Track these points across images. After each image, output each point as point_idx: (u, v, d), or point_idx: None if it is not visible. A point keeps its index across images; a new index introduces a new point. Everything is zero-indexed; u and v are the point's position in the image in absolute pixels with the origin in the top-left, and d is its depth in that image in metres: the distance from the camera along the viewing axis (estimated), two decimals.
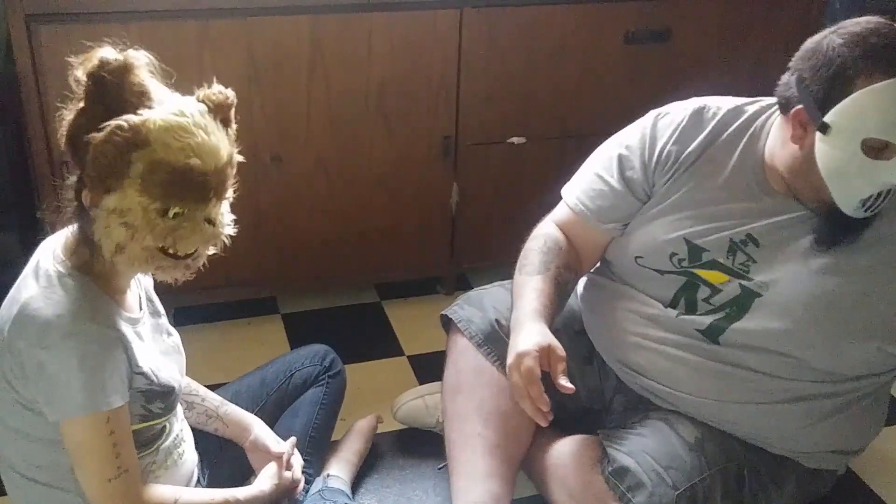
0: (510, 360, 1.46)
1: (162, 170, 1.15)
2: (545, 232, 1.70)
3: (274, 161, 2.18)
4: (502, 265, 2.50)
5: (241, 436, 1.62)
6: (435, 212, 2.41)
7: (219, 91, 1.26)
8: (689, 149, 1.58)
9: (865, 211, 1.43)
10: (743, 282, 1.53)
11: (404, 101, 2.22)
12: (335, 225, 2.32)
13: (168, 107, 1.19)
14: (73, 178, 1.23)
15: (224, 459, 1.64)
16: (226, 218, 1.28)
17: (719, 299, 1.55)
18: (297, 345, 1.90)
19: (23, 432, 1.27)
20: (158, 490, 1.34)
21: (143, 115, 1.15)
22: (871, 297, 1.48)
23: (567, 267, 1.65)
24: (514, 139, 2.36)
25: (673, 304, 1.59)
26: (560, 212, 1.72)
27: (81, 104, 1.18)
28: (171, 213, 1.19)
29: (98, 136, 1.12)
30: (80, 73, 1.17)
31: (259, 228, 2.26)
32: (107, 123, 1.13)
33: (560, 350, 1.46)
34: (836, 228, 1.48)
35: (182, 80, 2.10)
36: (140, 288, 1.39)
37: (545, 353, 1.44)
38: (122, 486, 1.25)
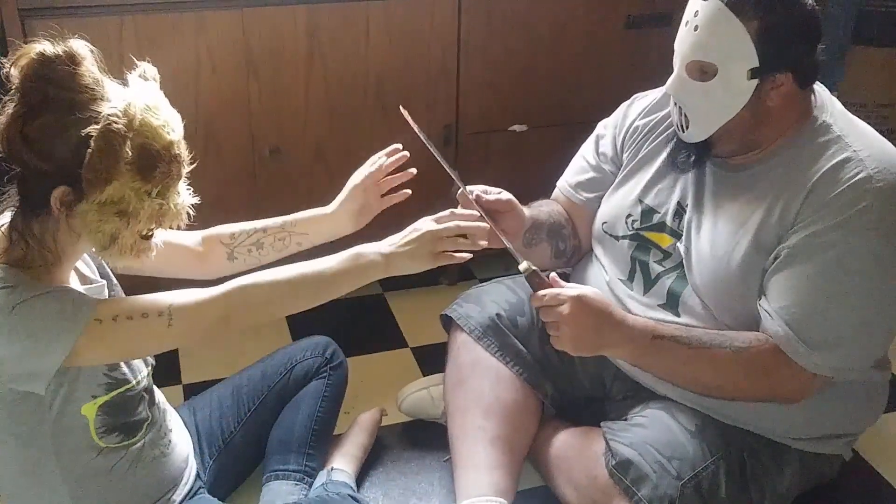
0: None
1: (151, 150, 1.16)
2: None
3: (272, 153, 2.17)
4: (505, 255, 2.49)
5: (324, 221, 1.58)
6: (436, 202, 2.38)
7: (147, 66, 1.26)
8: (652, 120, 1.67)
9: (678, 129, 1.52)
10: (679, 243, 1.57)
11: (403, 90, 2.20)
12: None
13: (132, 89, 1.20)
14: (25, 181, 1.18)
15: (229, 449, 1.64)
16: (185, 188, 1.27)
17: (670, 262, 1.59)
18: (299, 337, 1.89)
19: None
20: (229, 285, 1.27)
21: (123, 100, 1.15)
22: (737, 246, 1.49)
23: (561, 214, 1.76)
24: (516, 127, 2.34)
25: (630, 276, 1.63)
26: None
27: (24, 105, 1.14)
28: (153, 193, 1.19)
29: (96, 128, 1.11)
30: (16, 72, 1.15)
31: None
32: (95, 113, 1.12)
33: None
34: (679, 151, 1.55)
35: (179, 72, 2.09)
36: (86, 264, 1.37)
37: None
38: (183, 316, 1.22)
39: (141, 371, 1.38)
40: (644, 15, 2.30)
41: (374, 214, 1.60)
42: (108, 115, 1.12)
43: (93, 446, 1.30)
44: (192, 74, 2.01)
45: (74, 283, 1.30)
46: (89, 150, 1.11)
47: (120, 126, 1.12)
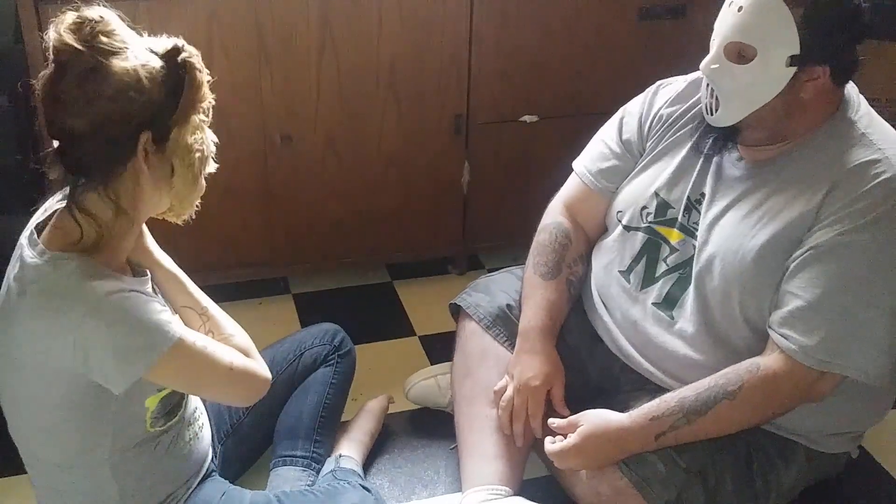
0: (517, 383, 1.60)
1: (200, 84, 1.26)
2: (554, 222, 1.76)
3: (284, 141, 2.17)
4: (514, 244, 2.50)
5: None
6: (446, 191, 2.39)
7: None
8: (677, 110, 1.65)
9: (706, 112, 1.50)
10: (693, 240, 1.56)
11: (415, 79, 2.20)
12: (346, 204, 2.31)
13: (163, 38, 1.27)
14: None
15: (237, 434, 1.65)
16: None
17: (676, 259, 1.58)
18: (308, 324, 1.90)
19: (55, 432, 1.28)
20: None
21: (177, 41, 1.25)
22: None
23: (579, 259, 1.74)
24: (527, 117, 2.34)
25: (630, 269, 1.63)
26: (568, 184, 1.79)
27: (84, 65, 1.18)
28: (203, 128, 1.28)
29: (185, 58, 1.23)
30: (70, 38, 1.18)
31: (269, 208, 2.25)
32: (172, 48, 1.22)
33: (561, 378, 1.62)
34: (705, 136, 1.54)
35: None
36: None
37: (549, 382, 1.61)
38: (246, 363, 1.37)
39: None
40: (657, 7, 2.28)
41: None
42: (179, 46, 1.23)
43: (142, 432, 1.32)
44: (204, 60, 1.97)
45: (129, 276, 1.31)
46: (186, 80, 1.22)
47: (193, 57, 1.23)
